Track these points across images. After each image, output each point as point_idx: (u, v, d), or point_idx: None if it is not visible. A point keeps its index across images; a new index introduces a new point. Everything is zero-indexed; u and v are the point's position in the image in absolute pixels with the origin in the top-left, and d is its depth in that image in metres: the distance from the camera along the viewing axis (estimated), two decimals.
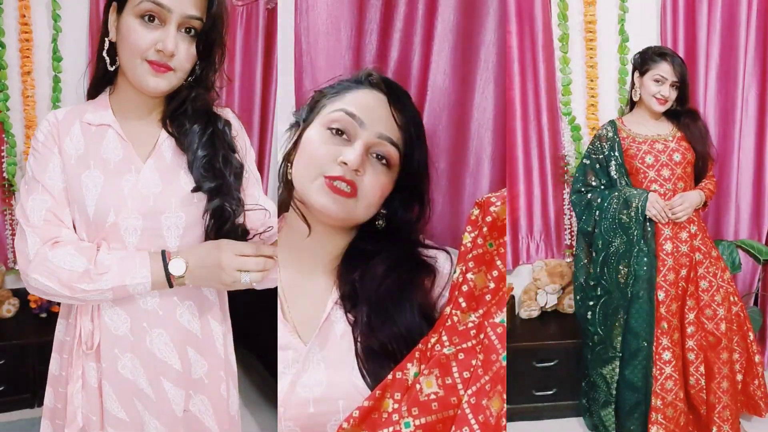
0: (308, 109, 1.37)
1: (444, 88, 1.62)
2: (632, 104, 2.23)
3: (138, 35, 1.12)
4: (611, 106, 2.68)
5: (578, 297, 2.26)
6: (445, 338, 1.27)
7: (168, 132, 1.21)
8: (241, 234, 1.22)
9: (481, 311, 1.27)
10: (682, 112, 2.15)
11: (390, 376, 1.25)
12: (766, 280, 2.71)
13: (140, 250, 1.16)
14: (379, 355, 1.28)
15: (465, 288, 1.28)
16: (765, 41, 2.62)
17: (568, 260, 2.69)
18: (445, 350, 1.26)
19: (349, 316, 1.30)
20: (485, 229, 1.28)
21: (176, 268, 1.14)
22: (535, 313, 2.65)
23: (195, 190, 1.18)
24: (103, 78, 1.22)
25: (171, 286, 1.15)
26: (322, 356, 1.29)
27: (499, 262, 1.29)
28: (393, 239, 1.36)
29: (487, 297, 1.28)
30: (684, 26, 2.59)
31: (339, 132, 1.28)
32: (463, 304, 1.28)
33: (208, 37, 1.18)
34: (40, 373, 2.42)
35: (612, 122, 2.20)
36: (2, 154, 2.36)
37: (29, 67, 2.35)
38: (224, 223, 1.19)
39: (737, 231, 2.69)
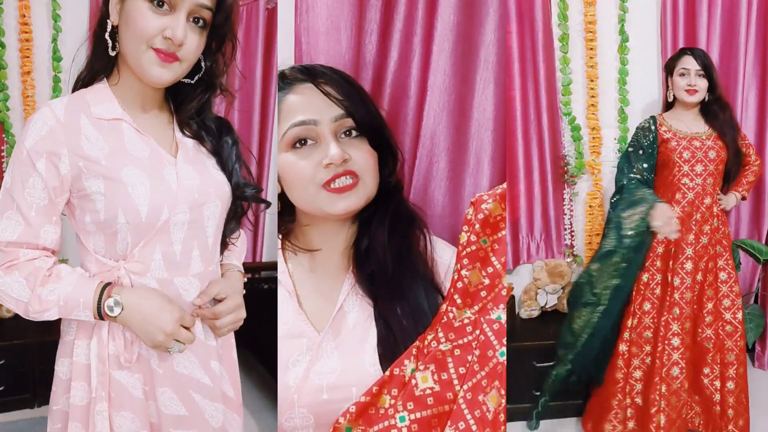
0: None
1: (444, 88, 1.62)
2: (667, 106, 2.31)
3: (146, 20, 1.03)
4: (611, 106, 2.68)
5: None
6: (441, 335, 1.28)
7: (186, 132, 1.17)
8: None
9: (476, 307, 1.29)
10: (712, 101, 2.22)
11: (388, 373, 1.26)
12: (766, 280, 2.71)
13: (187, 244, 1.11)
14: (395, 336, 1.31)
15: (459, 285, 1.29)
16: (765, 41, 2.62)
17: (568, 260, 2.69)
18: (441, 346, 1.27)
19: (370, 297, 1.34)
20: (477, 226, 1.30)
21: (111, 309, 1.05)
22: (535, 313, 2.65)
23: (236, 189, 1.20)
24: (99, 63, 1.12)
25: (103, 319, 1.07)
26: (335, 344, 1.32)
27: (494, 259, 1.30)
28: (386, 198, 1.40)
29: (483, 293, 1.29)
30: (684, 26, 2.59)
31: (303, 142, 1.31)
32: (458, 301, 1.29)
33: (221, 30, 1.12)
34: (41, 373, 2.42)
35: (653, 117, 2.26)
36: (2, 154, 2.36)
37: (29, 67, 2.35)
38: (232, 228, 1.25)
39: (737, 231, 2.69)
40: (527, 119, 2.60)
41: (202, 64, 1.14)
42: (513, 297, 2.70)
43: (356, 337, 1.32)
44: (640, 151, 2.24)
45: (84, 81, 1.14)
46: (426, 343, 1.28)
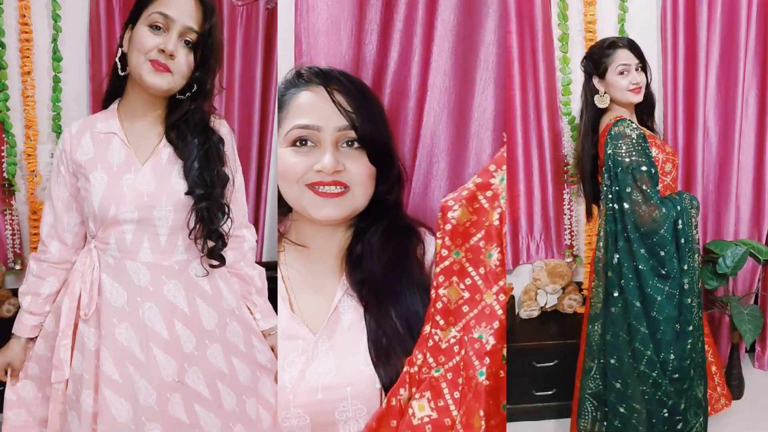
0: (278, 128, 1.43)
1: (444, 88, 1.63)
2: (595, 113, 2.00)
3: (146, 38, 1.37)
4: None
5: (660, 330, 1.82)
6: (431, 360, 1.26)
7: (168, 140, 1.43)
8: (216, 238, 1.44)
9: (460, 325, 1.26)
10: (651, 98, 2.01)
11: (385, 404, 1.25)
12: (766, 280, 2.71)
13: (137, 236, 1.39)
14: (388, 338, 1.32)
15: (439, 305, 1.27)
16: (765, 41, 2.62)
17: (568, 260, 2.68)
18: (433, 372, 1.24)
19: (360, 301, 1.36)
20: (447, 239, 1.28)
21: None
22: (535, 313, 2.65)
23: (188, 193, 1.40)
24: (115, 88, 1.47)
25: None
26: (330, 346, 1.33)
27: (470, 269, 1.27)
28: (383, 213, 1.42)
29: (464, 308, 1.27)
30: (684, 26, 2.58)
31: (303, 143, 1.35)
32: (441, 322, 1.26)
33: (205, 46, 1.41)
34: None
35: (629, 120, 1.91)
36: (2, 154, 2.36)
37: (29, 67, 2.35)
38: (205, 225, 1.42)
39: (737, 231, 2.68)
40: (527, 119, 2.60)
41: (195, 75, 1.42)
42: (513, 297, 2.70)
43: (351, 338, 1.34)
44: (653, 169, 1.83)
45: (105, 103, 1.50)
46: (417, 369, 1.26)
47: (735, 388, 2.51)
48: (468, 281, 1.27)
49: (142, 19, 1.38)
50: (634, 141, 1.83)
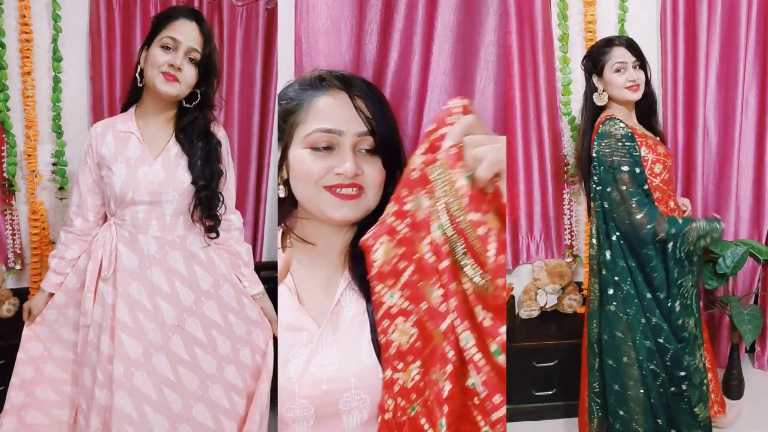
0: (281, 128, 1.45)
1: (444, 88, 1.63)
2: (594, 111, 2.01)
3: (158, 56, 1.68)
4: None
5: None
6: (402, 402, 1.23)
7: (177, 140, 1.74)
8: (214, 218, 1.77)
9: (419, 361, 1.22)
10: (649, 95, 2.00)
11: None
12: (766, 280, 2.71)
13: (147, 215, 1.71)
14: None
15: (393, 351, 1.23)
16: (765, 41, 2.62)
17: (568, 260, 2.69)
18: (409, 411, 1.22)
19: (362, 294, 1.39)
20: (377, 283, 1.23)
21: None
22: (535, 313, 2.65)
23: (193, 183, 1.72)
24: (132, 96, 1.78)
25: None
26: (334, 338, 1.37)
27: (411, 306, 1.21)
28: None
29: (417, 344, 1.21)
30: (684, 26, 2.59)
31: (323, 147, 1.39)
32: (400, 365, 1.24)
33: (207, 64, 1.73)
34: None
35: (619, 119, 1.91)
36: (2, 154, 2.36)
37: (29, 67, 2.35)
38: (203, 210, 1.74)
39: (737, 231, 2.69)
40: (527, 119, 2.60)
41: (199, 90, 1.74)
42: (513, 297, 2.70)
43: (353, 331, 1.37)
44: (637, 169, 1.83)
45: (124, 108, 1.81)
46: (391, 415, 1.25)
47: (735, 388, 2.51)
48: (413, 317, 1.20)
49: (155, 41, 1.70)
50: (617, 140, 1.84)
